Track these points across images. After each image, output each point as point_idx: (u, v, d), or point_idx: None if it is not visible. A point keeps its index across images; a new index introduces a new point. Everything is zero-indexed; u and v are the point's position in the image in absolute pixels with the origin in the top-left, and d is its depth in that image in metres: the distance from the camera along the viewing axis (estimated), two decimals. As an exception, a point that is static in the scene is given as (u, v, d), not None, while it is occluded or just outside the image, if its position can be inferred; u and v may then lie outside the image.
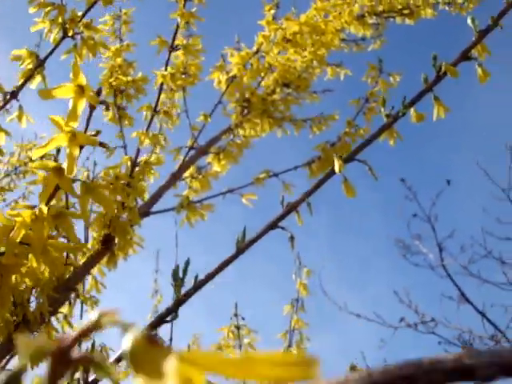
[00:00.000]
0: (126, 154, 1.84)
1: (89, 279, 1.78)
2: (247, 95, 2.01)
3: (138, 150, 1.66)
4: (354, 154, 1.29)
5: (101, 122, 2.06)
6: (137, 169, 1.71)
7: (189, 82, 2.07)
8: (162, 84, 1.68)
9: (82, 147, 0.68)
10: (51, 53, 1.26)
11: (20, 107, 1.26)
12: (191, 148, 1.90)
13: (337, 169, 1.19)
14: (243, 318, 1.91)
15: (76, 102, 0.66)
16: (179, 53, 2.04)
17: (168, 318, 1.14)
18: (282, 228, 1.16)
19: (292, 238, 1.16)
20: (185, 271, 1.16)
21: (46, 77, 1.28)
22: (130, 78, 2.04)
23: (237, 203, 1.86)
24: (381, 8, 2.64)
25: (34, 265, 0.78)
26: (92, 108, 0.75)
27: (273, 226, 1.15)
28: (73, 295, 1.72)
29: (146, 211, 1.74)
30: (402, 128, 1.34)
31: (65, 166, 0.71)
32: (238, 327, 1.91)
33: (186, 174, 2.00)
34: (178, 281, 1.15)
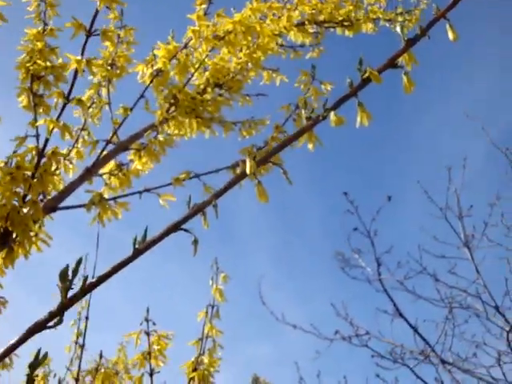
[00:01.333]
0: (37, 142, 1.71)
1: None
2: (174, 92, 1.93)
3: (47, 140, 1.55)
4: (270, 155, 1.25)
5: (14, 109, 1.93)
6: (43, 160, 1.60)
7: (114, 75, 1.97)
8: (76, 71, 1.58)
9: None
10: None
11: None
12: (109, 142, 1.80)
13: (248, 170, 1.14)
14: (154, 324, 1.83)
15: None
16: (108, 43, 1.95)
17: (51, 324, 1.04)
18: (186, 230, 1.09)
19: (196, 242, 1.09)
20: (75, 272, 1.07)
21: None
22: (48, 64, 1.92)
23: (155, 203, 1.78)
24: (321, 17, 2.64)
25: None
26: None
27: (176, 227, 1.08)
28: None
29: (53, 206, 1.62)
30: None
31: None
32: (147, 333, 1.82)
33: (105, 169, 1.89)
34: (65, 283, 1.06)
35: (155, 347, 1.80)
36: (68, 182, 1.69)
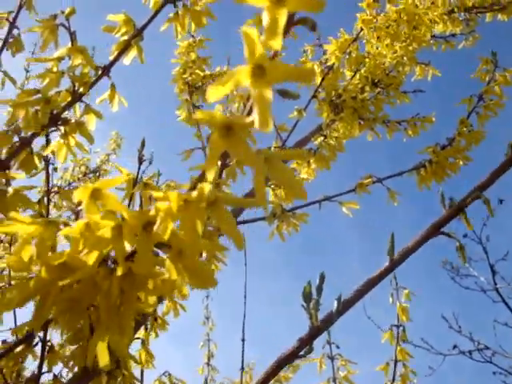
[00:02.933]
0: (205, 156, 1.62)
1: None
2: (339, 91, 1.77)
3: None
4: None
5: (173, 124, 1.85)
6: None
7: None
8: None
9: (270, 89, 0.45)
10: (150, 21, 1.05)
11: (112, 86, 1.05)
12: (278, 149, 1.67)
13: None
14: (338, 347, 1.64)
15: (273, 14, 0.43)
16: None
17: (302, 352, 0.88)
18: (448, 235, 0.89)
19: (462, 248, 0.90)
20: (319, 289, 0.90)
21: (142, 50, 1.07)
22: (207, 73, 1.83)
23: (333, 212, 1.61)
24: (470, 3, 2.40)
25: (173, 276, 0.54)
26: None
27: (436, 230, 0.89)
28: (149, 319, 1.49)
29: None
30: None
31: (242, 120, 0.47)
32: (331, 358, 1.63)
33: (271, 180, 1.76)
34: (311, 302, 0.90)
35: (341, 373, 1.62)
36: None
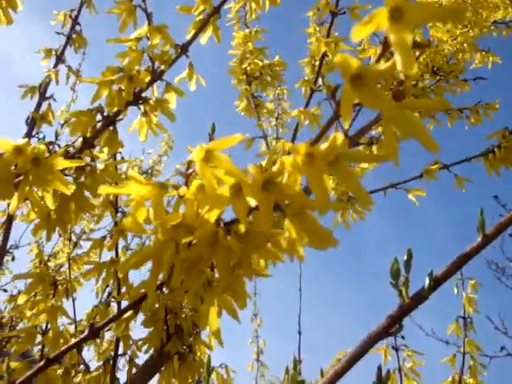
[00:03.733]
0: (267, 145, 1.61)
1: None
2: (400, 78, 1.73)
3: (296, 130, 1.42)
4: None
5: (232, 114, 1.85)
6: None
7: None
8: (324, 54, 1.44)
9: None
10: (227, -1, 1.04)
11: (190, 65, 1.05)
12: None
13: None
14: (403, 338, 1.60)
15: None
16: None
17: (392, 330, 0.85)
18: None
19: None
20: (408, 265, 0.88)
21: (219, 28, 1.06)
22: (266, 62, 1.82)
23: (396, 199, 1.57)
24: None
25: (292, 235, 0.52)
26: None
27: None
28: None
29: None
30: None
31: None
32: (396, 348, 1.59)
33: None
34: (399, 278, 0.87)
35: (407, 365, 1.57)
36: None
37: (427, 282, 0.84)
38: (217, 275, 0.56)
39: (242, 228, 0.51)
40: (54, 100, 1.73)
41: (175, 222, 0.54)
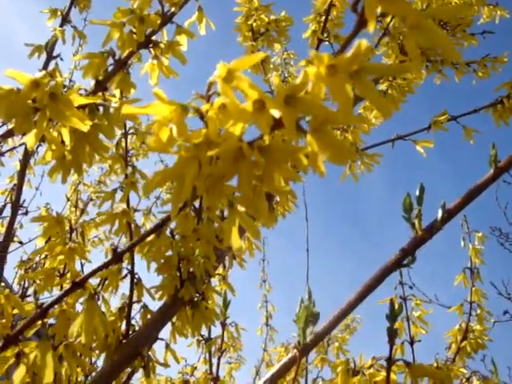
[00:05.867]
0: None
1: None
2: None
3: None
4: None
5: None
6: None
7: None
8: (331, 4, 1.43)
9: None
10: None
11: (199, 8, 1.04)
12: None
13: None
14: (411, 287, 1.63)
15: None
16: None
17: (405, 262, 0.87)
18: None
19: None
20: (420, 198, 0.89)
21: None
22: (272, 18, 1.81)
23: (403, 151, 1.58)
24: None
25: (314, 149, 0.53)
26: None
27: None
28: (227, 254, 1.51)
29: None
30: None
31: None
32: (404, 298, 1.62)
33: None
34: (411, 211, 0.89)
35: (415, 313, 1.61)
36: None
37: (440, 213, 0.86)
38: (238, 194, 0.57)
39: (265, 140, 0.52)
40: (61, 59, 1.73)
41: (199, 139, 0.55)
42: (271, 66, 1.78)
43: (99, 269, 0.76)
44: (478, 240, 1.69)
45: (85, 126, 0.78)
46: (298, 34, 1.82)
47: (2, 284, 1.80)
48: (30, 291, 1.79)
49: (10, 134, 0.90)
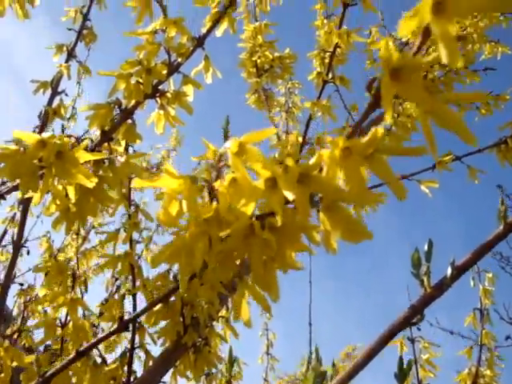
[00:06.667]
0: (278, 138, 1.61)
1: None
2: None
3: (309, 122, 1.41)
4: None
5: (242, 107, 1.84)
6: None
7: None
8: (336, 46, 1.43)
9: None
10: (244, -9, 1.04)
11: (206, 57, 1.04)
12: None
13: None
14: (419, 329, 1.60)
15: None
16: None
17: (414, 320, 0.86)
18: None
19: None
20: (429, 254, 0.88)
21: (234, 21, 1.06)
22: (276, 55, 1.82)
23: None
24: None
25: (327, 228, 0.52)
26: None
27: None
28: (231, 297, 1.49)
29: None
30: None
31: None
32: (412, 340, 1.60)
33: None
34: (420, 268, 0.87)
35: (423, 356, 1.58)
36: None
37: (449, 270, 0.85)
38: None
39: (278, 221, 0.51)
40: (66, 95, 1.73)
41: (209, 215, 0.54)
42: (275, 103, 1.78)
43: (104, 338, 0.74)
44: (489, 281, 1.67)
45: (90, 183, 0.77)
46: (302, 64, 1.82)
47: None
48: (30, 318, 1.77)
49: (14, 189, 0.89)
